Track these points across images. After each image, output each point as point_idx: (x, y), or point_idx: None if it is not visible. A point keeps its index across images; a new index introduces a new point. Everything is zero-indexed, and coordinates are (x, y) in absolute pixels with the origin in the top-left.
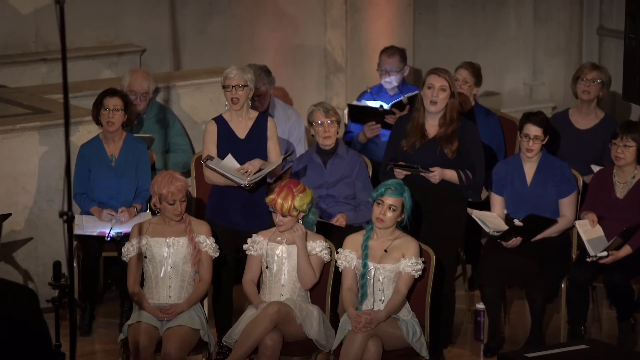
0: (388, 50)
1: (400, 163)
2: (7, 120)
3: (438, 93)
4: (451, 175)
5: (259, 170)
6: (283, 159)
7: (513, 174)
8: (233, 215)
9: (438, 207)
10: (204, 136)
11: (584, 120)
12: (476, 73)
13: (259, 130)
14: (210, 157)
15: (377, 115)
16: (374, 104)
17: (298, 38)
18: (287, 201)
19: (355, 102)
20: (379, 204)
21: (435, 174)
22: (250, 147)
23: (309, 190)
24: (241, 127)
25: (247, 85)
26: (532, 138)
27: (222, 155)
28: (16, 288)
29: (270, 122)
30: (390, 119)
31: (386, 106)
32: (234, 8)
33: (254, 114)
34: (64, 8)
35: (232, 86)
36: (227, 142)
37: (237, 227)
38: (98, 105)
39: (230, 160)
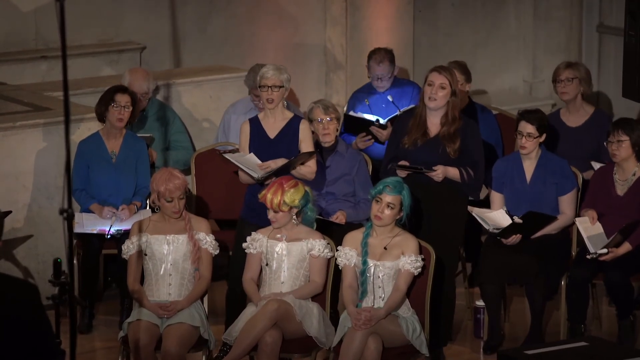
0: (376, 57)
1: (402, 163)
2: (7, 118)
3: (437, 90)
4: (454, 173)
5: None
6: (296, 157)
7: (512, 171)
8: (263, 213)
9: (439, 205)
10: (239, 136)
11: (574, 118)
12: (464, 70)
13: (290, 131)
14: (232, 150)
15: (369, 124)
16: (370, 117)
17: (298, 36)
18: (277, 196)
19: (352, 113)
20: (377, 201)
21: (439, 172)
22: (279, 147)
23: (303, 186)
24: (273, 127)
25: (282, 86)
26: (525, 135)
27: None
28: (17, 283)
29: (303, 124)
30: (383, 135)
31: (382, 121)
32: (234, 6)
33: (289, 115)
34: (64, 6)
35: (268, 86)
36: (258, 141)
37: (266, 225)
38: (108, 101)
39: (252, 157)
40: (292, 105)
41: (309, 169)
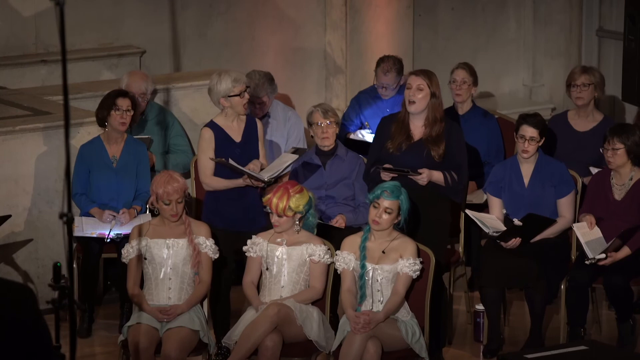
0: (384, 66)
1: (387, 166)
2: (7, 122)
3: (415, 93)
4: (438, 176)
5: (261, 169)
6: (293, 153)
7: (510, 175)
8: (229, 217)
9: (424, 209)
10: (201, 143)
11: (583, 122)
12: (473, 72)
13: (251, 132)
14: (216, 159)
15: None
16: (370, 138)
17: (298, 40)
18: (282, 201)
19: (352, 136)
20: (375, 206)
21: (424, 176)
22: (246, 149)
23: (307, 192)
24: (235, 131)
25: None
26: (527, 139)
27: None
28: (14, 287)
29: (259, 123)
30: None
31: None
32: (234, 10)
33: (243, 117)
34: (64, 10)
35: (244, 92)
36: (225, 146)
37: (233, 229)
38: (110, 105)
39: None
40: (290, 109)
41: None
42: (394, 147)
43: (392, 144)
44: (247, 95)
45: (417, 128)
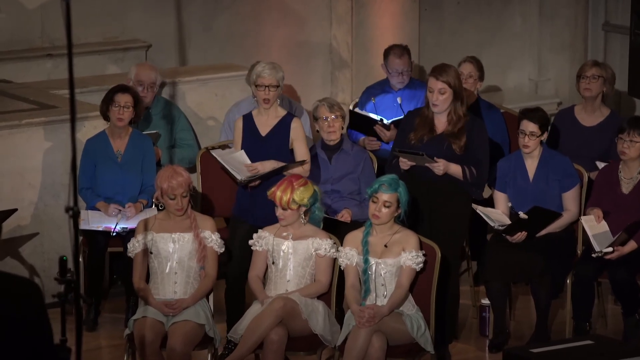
0: (395, 51)
1: (402, 150)
2: (13, 116)
3: (437, 96)
4: (455, 169)
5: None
6: (286, 165)
7: (515, 170)
8: (259, 212)
9: (442, 202)
10: (234, 132)
11: (590, 117)
12: (480, 67)
13: (282, 129)
14: (223, 147)
15: (374, 123)
16: (375, 116)
17: (303, 34)
18: (286, 194)
19: (357, 110)
20: (374, 201)
21: (440, 165)
22: (270, 145)
23: (312, 185)
24: (265, 125)
25: (278, 85)
26: (527, 134)
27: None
28: (19, 282)
29: (295, 122)
30: (387, 135)
31: (387, 121)
32: (239, 4)
33: (282, 113)
34: (69, 4)
35: (265, 86)
36: (250, 138)
37: (262, 224)
38: (108, 101)
39: (241, 155)
40: (295, 103)
41: (301, 169)
42: (415, 138)
43: (414, 135)
44: (271, 92)
45: (441, 123)
